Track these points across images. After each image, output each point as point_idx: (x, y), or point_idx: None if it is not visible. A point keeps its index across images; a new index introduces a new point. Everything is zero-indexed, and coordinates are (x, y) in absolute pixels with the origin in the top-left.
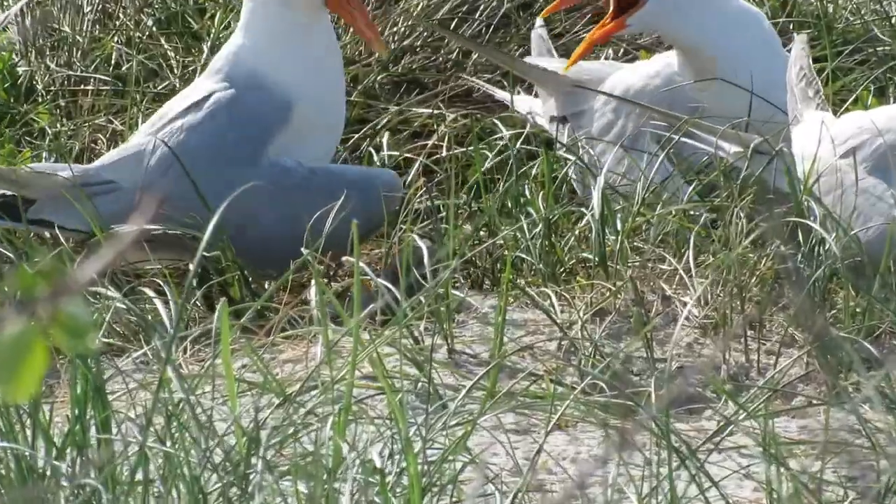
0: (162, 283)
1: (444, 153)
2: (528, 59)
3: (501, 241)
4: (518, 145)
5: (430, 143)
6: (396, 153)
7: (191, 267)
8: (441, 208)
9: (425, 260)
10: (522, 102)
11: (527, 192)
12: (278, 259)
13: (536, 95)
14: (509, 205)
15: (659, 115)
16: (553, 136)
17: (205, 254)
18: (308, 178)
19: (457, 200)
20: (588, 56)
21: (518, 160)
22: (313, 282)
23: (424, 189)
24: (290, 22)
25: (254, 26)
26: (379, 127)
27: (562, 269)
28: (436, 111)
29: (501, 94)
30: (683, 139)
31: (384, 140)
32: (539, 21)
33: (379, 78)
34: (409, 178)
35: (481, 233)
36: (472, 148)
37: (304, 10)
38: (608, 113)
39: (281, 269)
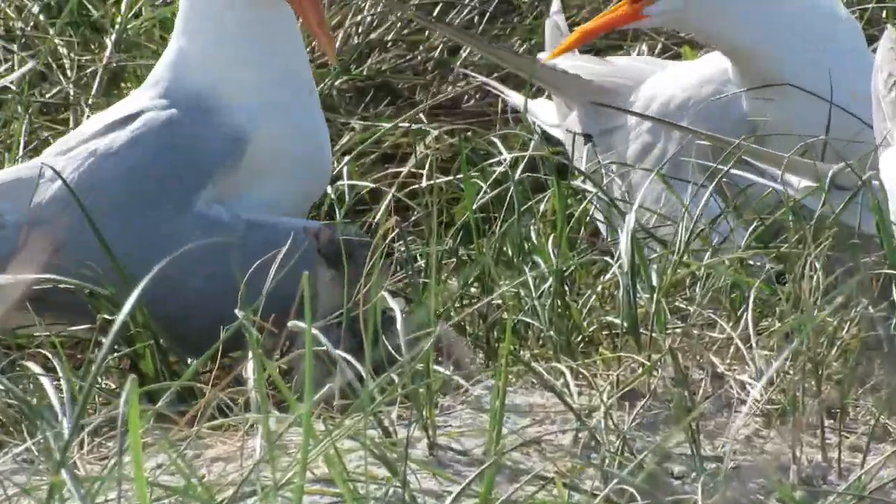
0: (51, 356)
1: (424, 183)
2: (540, 57)
3: (499, 301)
4: (521, 173)
5: (404, 169)
6: (360, 183)
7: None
8: (419, 256)
9: (398, 325)
10: (542, 110)
11: (533, 236)
12: (205, 338)
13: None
14: (510, 252)
15: (707, 138)
16: (569, 157)
17: (106, 317)
18: (247, 236)
19: (440, 246)
20: (591, 48)
21: (522, 193)
22: (250, 354)
23: (396, 231)
24: (243, 17)
25: (195, 25)
26: (337, 149)
27: (579, 338)
28: (413, 126)
29: (514, 99)
30: (739, 168)
31: (343, 167)
32: (555, 5)
33: (338, 83)
34: (378, 216)
35: (473, 289)
36: (460, 176)
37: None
38: (644, 133)
39: (205, 349)
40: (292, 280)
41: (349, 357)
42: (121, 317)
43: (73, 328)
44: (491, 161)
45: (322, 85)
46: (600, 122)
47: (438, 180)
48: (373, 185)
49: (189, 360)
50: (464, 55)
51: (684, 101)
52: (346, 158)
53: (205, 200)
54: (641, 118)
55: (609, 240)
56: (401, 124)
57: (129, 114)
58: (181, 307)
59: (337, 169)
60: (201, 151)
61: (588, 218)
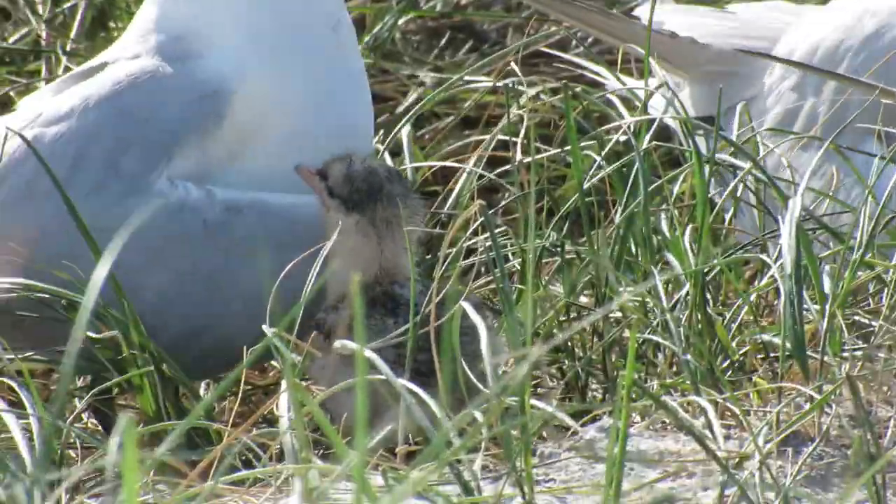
0: (18, 388)
1: (517, 156)
2: (639, 10)
3: (619, 314)
4: (648, 142)
5: (489, 137)
6: (428, 162)
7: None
8: (511, 255)
9: (483, 345)
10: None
11: (664, 226)
12: (177, 353)
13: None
14: (633, 248)
15: (872, 90)
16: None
17: (92, 335)
18: (225, 222)
19: (539, 241)
20: None
21: (648, 169)
22: (283, 384)
23: (480, 220)
24: None
25: None
26: (401, 110)
27: (726, 364)
28: (503, 81)
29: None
30: None
31: (404, 134)
32: None
33: (402, 22)
34: (454, 201)
35: (583, 298)
36: (567, 147)
37: None
38: (786, 91)
39: (187, 367)
40: (295, 277)
41: (416, 388)
42: (88, 300)
43: (44, 350)
44: (607, 126)
45: (380, 25)
46: (726, 95)
47: (541, 155)
48: (441, 164)
49: (202, 388)
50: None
51: (836, 46)
52: (407, 127)
53: (168, 177)
54: (787, 65)
55: (761, 233)
56: (485, 78)
57: (91, 66)
58: (139, 312)
59: (391, 137)
60: (165, 115)
61: (735, 203)
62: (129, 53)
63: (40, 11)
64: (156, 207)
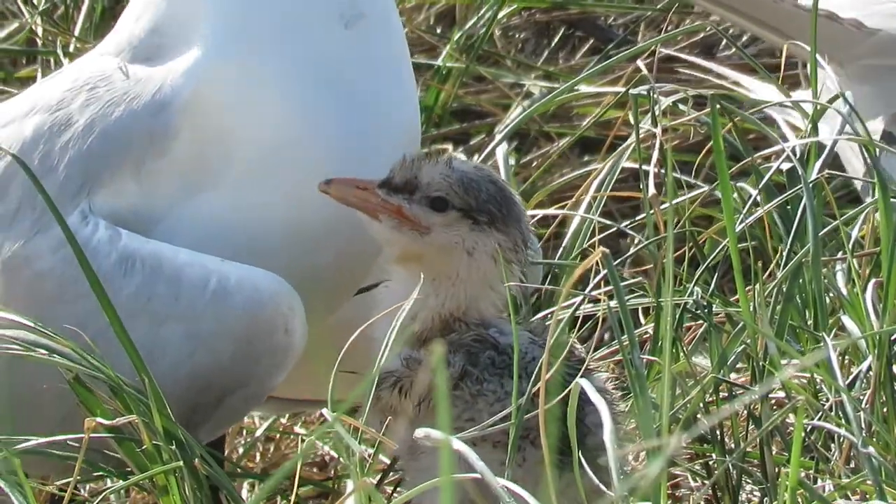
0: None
1: (650, 190)
2: None
3: (781, 393)
4: (819, 171)
5: (609, 163)
6: (536, 196)
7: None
8: (642, 317)
9: (606, 436)
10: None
11: (839, 281)
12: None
13: None
14: (799, 309)
15: None
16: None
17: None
18: (115, 275)
19: (680, 297)
20: None
21: (819, 206)
22: (349, 486)
23: (603, 272)
24: None
25: None
26: (500, 128)
27: None
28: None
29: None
30: None
31: (500, 157)
32: None
33: (502, 16)
34: (567, 246)
35: (735, 373)
36: (716, 185)
37: None
38: None
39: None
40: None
41: (519, 489)
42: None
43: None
44: (766, 151)
45: (474, 19)
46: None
47: (681, 195)
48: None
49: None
50: None
51: None
52: (501, 143)
53: (83, 210)
54: None
55: None
56: (609, 87)
57: (60, 71)
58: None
59: (481, 157)
60: (103, 132)
61: None
62: (105, 48)
63: (35, 1)
64: (65, 251)
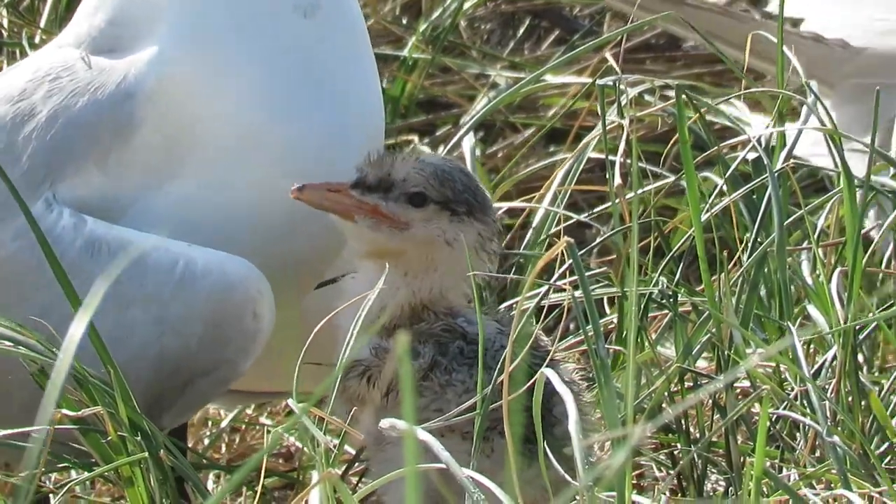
0: None
1: (615, 178)
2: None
3: (746, 383)
4: (784, 160)
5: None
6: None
7: None
8: (607, 307)
9: (571, 425)
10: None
11: (804, 270)
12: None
13: None
14: (764, 299)
15: None
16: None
17: (68, 412)
18: (81, 262)
19: (644, 287)
20: None
21: (784, 196)
22: (314, 476)
23: (569, 262)
24: None
25: None
26: (466, 119)
27: (884, 447)
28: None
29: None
30: None
31: (466, 149)
32: None
33: (467, 6)
34: (532, 237)
35: (701, 361)
36: (681, 174)
37: None
38: None
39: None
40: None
41: (484, 480)
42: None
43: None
44: (732, 142)
45: (440, 10)
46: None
47: (647, 185)
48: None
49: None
50: None
51: None
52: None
53: (47, 199)
54: None
55: None
56: (575, 78)
57: (18, 64)
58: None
59: (447, 149)
60: (66, 121)
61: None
62: (64, 40)
63: None
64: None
